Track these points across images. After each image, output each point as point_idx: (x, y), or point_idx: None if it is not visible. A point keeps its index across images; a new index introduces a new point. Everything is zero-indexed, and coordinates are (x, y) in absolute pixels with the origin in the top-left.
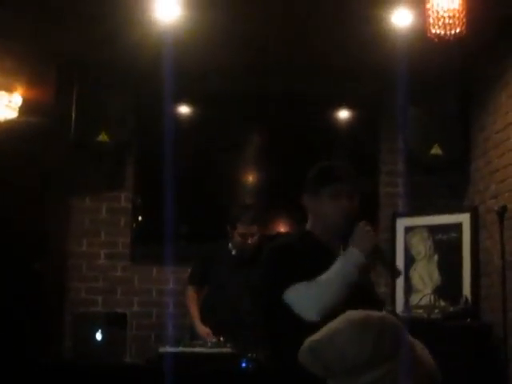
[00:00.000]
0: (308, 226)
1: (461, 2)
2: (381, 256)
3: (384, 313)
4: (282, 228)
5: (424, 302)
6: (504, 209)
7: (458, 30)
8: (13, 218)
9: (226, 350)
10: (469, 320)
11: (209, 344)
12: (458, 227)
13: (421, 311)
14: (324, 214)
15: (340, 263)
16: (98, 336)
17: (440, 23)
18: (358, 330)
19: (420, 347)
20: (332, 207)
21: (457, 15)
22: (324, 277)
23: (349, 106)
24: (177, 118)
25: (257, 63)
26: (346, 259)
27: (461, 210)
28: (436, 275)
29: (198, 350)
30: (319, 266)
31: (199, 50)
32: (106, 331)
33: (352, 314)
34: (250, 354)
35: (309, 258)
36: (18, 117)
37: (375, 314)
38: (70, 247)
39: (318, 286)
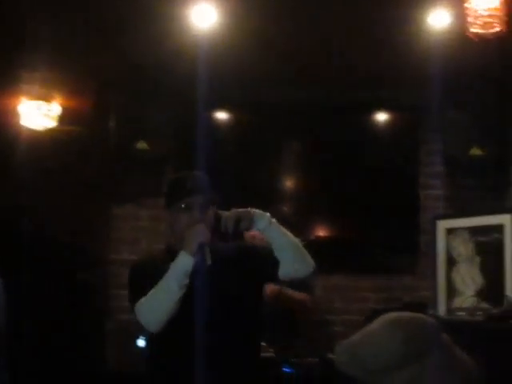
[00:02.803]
0: (170, 239)
1: (501, 0)
2: (201, 253)
3: (417, 314)
4: (322, 233)
5: (466, 304)
6: None
7: (497, 29)
8: (54, 229)
9: (268, 354)
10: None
11: None
12: (499, 228)
13: (463, 313)
14: (177, 226)
15: (169, 270)
16: (141, 343)
17: (479, 22)
18: (389, 329)
19: (455, 347)
20: (181, 220)
21: (497, 14)
22: (157, 287)
23: (387, 110)
24: (214, 125)
25: (294, 70)
26: (174, 264)
27: (502, 211)
28: (478, 277)
29: None
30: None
31: (236, 56)
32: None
33: (388, 316)
34: (292, 359)
35: (160, 272)
36: (57, 126)
37: (406, 313)
38: (111, 255)
39: (151, 296)
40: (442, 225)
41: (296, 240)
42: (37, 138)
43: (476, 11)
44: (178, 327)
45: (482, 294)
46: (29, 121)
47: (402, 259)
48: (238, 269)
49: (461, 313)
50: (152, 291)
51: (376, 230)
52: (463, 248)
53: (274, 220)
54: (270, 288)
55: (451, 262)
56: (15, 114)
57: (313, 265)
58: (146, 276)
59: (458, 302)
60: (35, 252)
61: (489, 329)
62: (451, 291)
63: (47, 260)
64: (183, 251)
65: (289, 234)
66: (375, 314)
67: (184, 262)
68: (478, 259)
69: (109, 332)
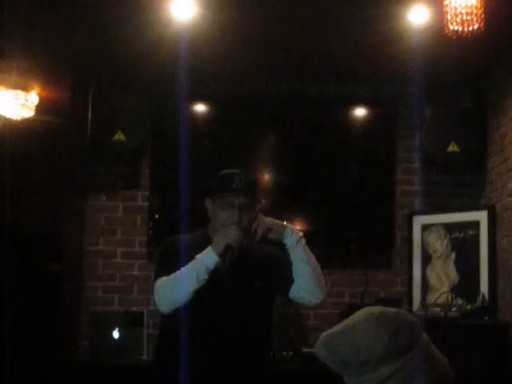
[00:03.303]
0: (209, 226)
1: None
2: (227, 254)
3: (400, 310)
4: (297, 227)
5: (441, 300)
6: None
7: (476, 27)
8: (28, 218)
9: None
10: (486, 318)
11: None
12: (475, 225)
13: (438, 309)
14: (217, 219)
15: (194, 260)
16: (115, 335)
17: (458, 20)
18: (374, 323)
19: (433, 346)
20: (220, 216)
21: (475, 11)
22: (178, 273)
23: (364, 105)
24: (192, 117)
25: (272, 63)
26: (199, 257)
27: (478, 208)
28: (453, 273)
29: None
30: None
31: (214, 49)
32: (123, 330)
33: (369, 309)
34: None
35: (187, 257)
36: (35, 116)
37: (391, 309)
38: (86, 246)
39: (170, 280)
40: (418, 221)
41: (318, 267)
42: (14, 127)
43: (455, 9)
44: (192, 318)
45: (456, 290)
46: (6, 110)
47: (378, 254)
48: (259, 274)
49: (435, 308)
50: (172, 275)
51: (352, 224)
52: (439, 244)
53: (304, 241)
54: None
55: (427, 258)
56: None
57: (323, 296)
58: (173, 256)
59: (432, 298)
60: (8, 241)
61: (463, 325)
62: (426, 287)
63: (20, 250)
64: (211, 248)
65: (313, 259)
66: (350, 308)
67: (208, 259)
68: (453, 255)
69: (83, 323)
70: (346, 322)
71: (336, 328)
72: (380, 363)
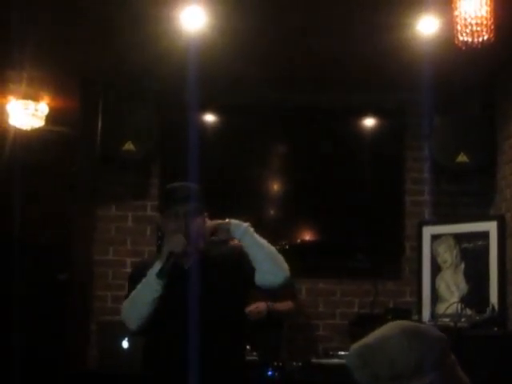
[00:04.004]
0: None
1: (489, 9)
2: (169, 261)
3: (430, 326)
4: (307, 237)
5: (450, 310)
6: None
7: (485, 38)
8: (37, 228)
9: (252, 358)
10: (495, 329)
11: None
12: (484, 235)
13: (447, 320)
14: (167, 231)
15: (147, 274)
16: (125, 345)
17: (467, 30)
18: (410, 338)
19: (458, 366)
20: (168, 227)
21: (484, 22)
22: (136, 288)
23: (374, 115)
24: (202, 128)
25: (282, 73)
26: (150, 270)
27: (487, 218)
28: (463, 284)
29: None
30: None
31: (224, 59)
32: (132, 340)
33: (399, 323)
34: (275, 363)
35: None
36: (44, 126)
37: (421, 324)
38: (95, 256)
39: (130, 298)
40: (428, 231)
41: (272, 249)
42: (24, 137)
43: (465, 19)
44: (164, 327)
45: (466, 301)
46: (16, 120)
47: (387, 264)
48: (221, 271)
49: (445, 319)
50: (132, 292)
51: (361, 234)
52: (448, 254)
53: (251, 229)
54: (259, 307)
55: (436, 268)
56: (3, 113)
57: (286, 274)
58: (138, 278)
59: (442, 308)
60: (18, 251)
61: (473, 335)
62: (436, 297)
63: (30, 259)
64: (159, 258)
65: (265, 243)
66: (359, 318)
67: (155, 268)
68: (462, 266)
69: (92, 333)
70: (377, 334)
71: (367, 340)
72: (412, 377)
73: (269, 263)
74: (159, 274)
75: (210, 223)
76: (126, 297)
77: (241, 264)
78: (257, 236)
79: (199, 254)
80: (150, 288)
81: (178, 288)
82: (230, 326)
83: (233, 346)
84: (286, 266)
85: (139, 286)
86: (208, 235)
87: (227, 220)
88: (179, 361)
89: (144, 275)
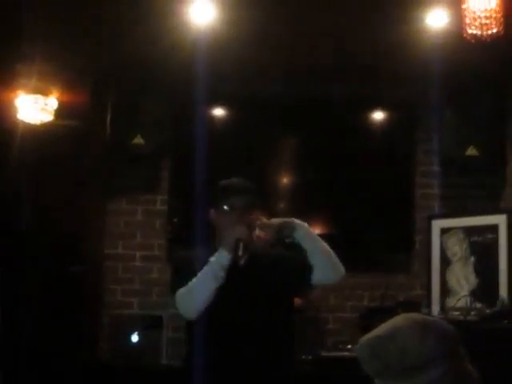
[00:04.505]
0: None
1: (498, 2)
2: (238, 248)
3: (441, 320)
4: (317, 231)
5: (460, 304)
6: None
7: (494, 31)
8: (49, 222)
9: None
10: (506, 322)
11: None
12: (494, 229)
13: (457, 313)
14: (222, 224)
15: (208, 263)
16: (134, 338)
17: (477, 23)
18: (422, 329)
19: (469, 363)
20: (224, 220)
21: (494, 15)
22: (194, 279)
23: (384, 108)
24: (212, 120)
25: (292, 66)
26: (213, 258)
27: (497, 212)
28: (472, 277)
29: None
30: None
31: (234, 52)
32: (142, 333)
33: (409, 315)
34: None
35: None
36: (54, 120)
37: (431, 317)
38: (105, 250)
39: (189, 287)
40: (437, 224)
41: (328, 248)
42: (33, 131)
43: (473, 12)
44: (217, 318)
45: (475, 294)
46: (26, 114)
47: (397, 258)
48: (272, 275)
49: (455, 312)
50: (190, 283)
51: (371, 228)
52: (458, 248)
53: (311, 229)
54: None
55: (446, 262)
56: (12, 108)
57: (343, 271)
58: (188, 270)
59: (451, 302)
60: (31, 244)
61: (483, 329)
62: (445, 291)
63: (41, 253)
64: (221, 247)
65: (323, 242)
66: (370, 312)
67: (221, 257)
68: (472, 259)
69: (103, 326)
70: (387, 325)
71: (377, 331)
72: (424, 368)
73: (328, 260)
74: (236, 259)
75: (275, 220)
76: (174, 290)
77: (297, 267)
78: (315, 234)
79: (260, 249)
80: (215, 276)
81: (232, 283)
82: (281, 326)
83: (283, 346)
84: (340, 263)
85: (200, 276)
86: (275, 232)
87: (291, 218)
88: (234, 349)
89: (195, 268)
